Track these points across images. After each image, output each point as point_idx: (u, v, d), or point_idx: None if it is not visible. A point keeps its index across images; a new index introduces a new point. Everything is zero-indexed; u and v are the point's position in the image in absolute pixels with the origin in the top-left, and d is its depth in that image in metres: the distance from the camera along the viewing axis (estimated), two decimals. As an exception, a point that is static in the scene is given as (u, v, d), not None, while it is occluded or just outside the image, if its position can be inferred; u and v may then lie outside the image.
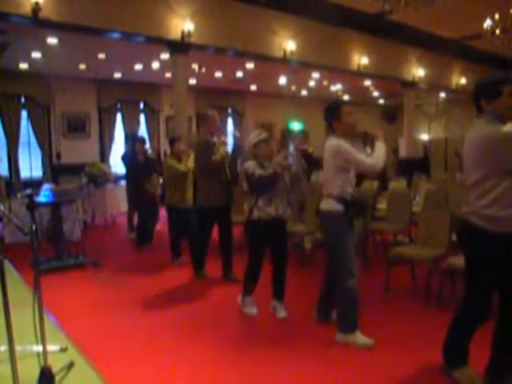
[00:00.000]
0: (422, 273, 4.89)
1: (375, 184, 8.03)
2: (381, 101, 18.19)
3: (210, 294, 4.95)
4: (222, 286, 5.14)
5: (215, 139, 5.24)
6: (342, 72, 11.08)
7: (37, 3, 5.93)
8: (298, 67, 10.41)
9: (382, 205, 7.01)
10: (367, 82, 13.57)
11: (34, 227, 2.31)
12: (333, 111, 3.62)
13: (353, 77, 11.79)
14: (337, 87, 14.65)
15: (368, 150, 3.79)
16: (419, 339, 3.68)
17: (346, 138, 3.59)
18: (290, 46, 9.04)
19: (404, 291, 4.90)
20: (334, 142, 3.55)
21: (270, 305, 4.29)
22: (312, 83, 13.63)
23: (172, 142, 6.26)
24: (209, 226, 5.36)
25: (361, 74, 11.05)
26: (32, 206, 2.30)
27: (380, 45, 10.89)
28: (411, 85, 12.45)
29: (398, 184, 8.78)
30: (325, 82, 13.66)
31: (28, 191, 2.85)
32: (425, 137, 18.24)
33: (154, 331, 3.94)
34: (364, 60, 10.63)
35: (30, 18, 6.12)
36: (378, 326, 3.91)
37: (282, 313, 4.20)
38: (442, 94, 16.27)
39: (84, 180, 6.07)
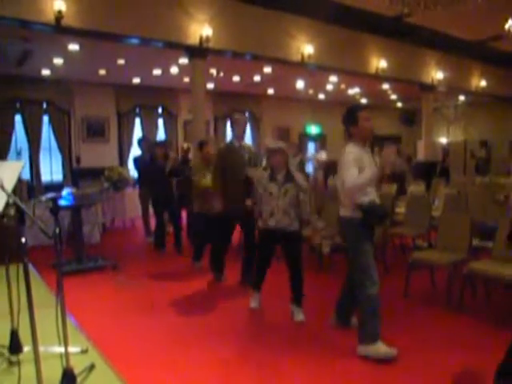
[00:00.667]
0: (441, 278, 4.84)
1: (393, 188, 7.98)
2: (399, 104, 18.06)
3: (229, 298, 4.96)
4: (241, 290, 5.14)
5: (243, 143, 5.32)
6: (359, 75, 11.05)
7: (59, 11, 6.07)
8: (316, 71, 10.41)
9: (401, 209, 6.95)
10: (385, 86, 13.50)
11: (57, 231, 2.36)
12: (350, 116, 3.61)
13: (370, 80, 11.74)
14: (354, 91, 14.59)
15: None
16: (440, 345, 3.63)
17: (363, 144, 3.59)
18: (308, 49, 9.05)
19: (424, 296, 4.85)
20: (346, 150, 3.54)
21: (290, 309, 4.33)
22: (329, 87, 13.60)
23: (201, 145, 6.29)
24: (228, 231, 5.38)
25: (379, 77, 11.00)
26: (56, 209, 2.35)
27: (398, 48, 10.84)
28: (430, 88, 12.35)
29: (416, 188, 8.70)
30: (342, 86, 13.63)
31: (52, 195, 2.91)
32: (443, 140, 18.05)
33: (173, 333, 3.96)
34: (382, 63, 10.59)
35: (52, 26, 6.27)
36: (397, 331, 3.88)
37: (299, 316, 4.20)
38: (461, 97, 16.10)
39: (106, 185, 6.12)
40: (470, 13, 8.18)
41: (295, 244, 4.34)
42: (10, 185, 2.56)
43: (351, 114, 3.61)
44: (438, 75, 12.17)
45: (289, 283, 4.32)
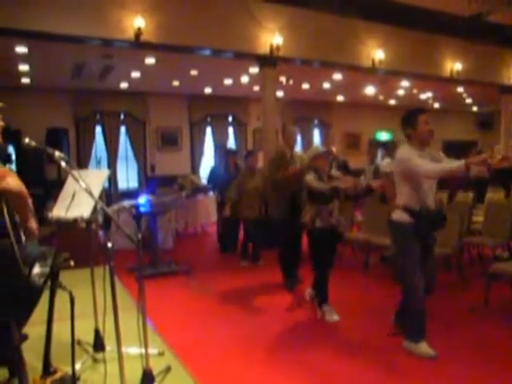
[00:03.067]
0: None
1: (470, 196, 7.63)
2: (474, 108, 17.25)
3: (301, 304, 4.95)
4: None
5: (296, 152, 5.49)
6: (432, 79, 10.68)
7: (139, 28, 6.46)
8: (387, 76, 10.20)
9: (479, 217, 6.64)
10: (460, 89, 12.96)
11: (139, 236, 2.49)
12: (409, 118, 3.64)
13: (444, 84, 11.32)
14: (427, 95, 14.15)
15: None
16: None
17: (420, 148, 3.57)
18: (379, 54, 8.89)
19: (503, 309, 4.60)
20: (400, 150, 3.64)
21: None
22: (401, 92, 13.28)
23: (247, 156, 6.55)
24: (291, 238, 5.45)
25: (453, 80, 10.58)
26: (139, 216, 2.48)
27: (475, 48, 10.35)
28: (510, 90, 11.69)
29: (495, 195, 8.25)
30: (414, 91, 13.25)
31: (131, 202, 3.08)
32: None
33: (246, 339, 4.01)
34: (457, 65, 10.18)
35: (132, 42, 6.65)
36: (475, 345, 3.72)
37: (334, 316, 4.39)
38: (546, 99, 15.09)
39: (184, 193, 6.40)
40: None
41: (337, 243, 4.72)
42: (96, 192, 2.75)
43: (411, 116, 3.64)
44: (519, 76, 11.50)
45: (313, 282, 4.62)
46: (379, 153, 9.61)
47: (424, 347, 3.53)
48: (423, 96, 14.22)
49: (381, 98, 14.28)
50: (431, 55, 9.94)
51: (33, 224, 2.76)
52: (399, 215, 3.59)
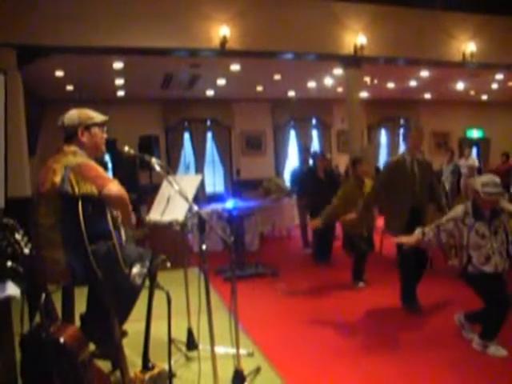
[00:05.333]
0: None
1: None
2: None
3: (393, 317, 4.77)
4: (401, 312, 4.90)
5: (418, 157, 4.79)
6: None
7: (224, 37, 6.69)
8: (479, 70, 9.65)
9: None
10: None
11: (232, 239, 2.57)
12: None
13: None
14: (524, 87, 13.21)
15: None
16: None
17: None
18: (470, 47, 8.44)
19: None
20: None
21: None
22: (494, 86, 12.50)
23: (354, 163, 5.95)
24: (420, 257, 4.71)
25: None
26: (231, 219, 2.56)
27: None
28: None
29: None
30: (510, 83, 12.41)
31: (218, 205, 3.19)
32: None
33: (332, 340, 3.97)
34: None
35: (218, 51, 6.90)
36: None
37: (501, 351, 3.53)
38: None
39: (273, 197, 6.47)
40: None
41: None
42: (190, 196, 2.88)
43: None
44: None
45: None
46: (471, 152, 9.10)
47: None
48: (520, 89, 13.30)
49: (472, 93, 13.54)
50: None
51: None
52: None
